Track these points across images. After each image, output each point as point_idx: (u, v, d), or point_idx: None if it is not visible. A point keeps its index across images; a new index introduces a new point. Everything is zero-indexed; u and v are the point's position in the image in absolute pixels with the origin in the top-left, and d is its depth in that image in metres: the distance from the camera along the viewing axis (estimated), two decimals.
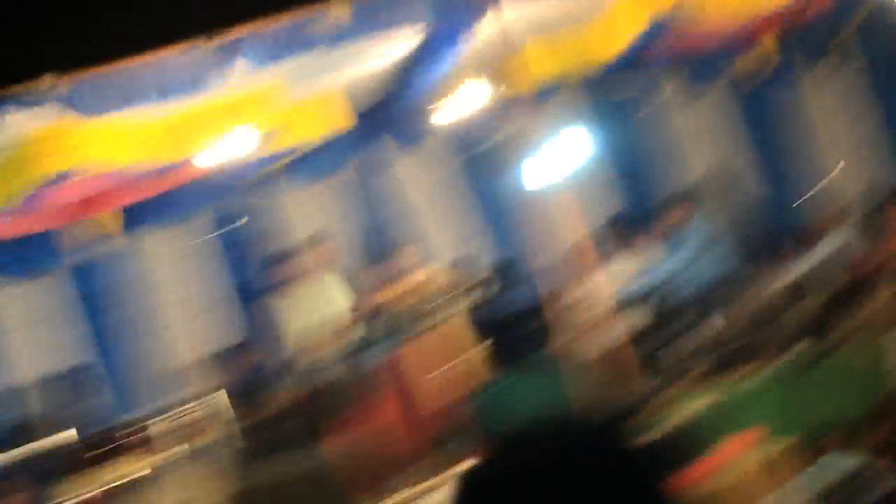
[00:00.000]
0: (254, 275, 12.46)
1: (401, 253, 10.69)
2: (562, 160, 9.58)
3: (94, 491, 9.80)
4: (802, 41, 13.01)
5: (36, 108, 8.85)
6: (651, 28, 10.89)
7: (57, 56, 9.17)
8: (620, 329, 9.99)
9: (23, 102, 8.80)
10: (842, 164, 13.73)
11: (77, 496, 9.78)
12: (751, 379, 9.79)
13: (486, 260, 10.13)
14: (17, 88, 8.85)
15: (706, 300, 11.04)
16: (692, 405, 7.49)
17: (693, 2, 10.62)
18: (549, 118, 10.42)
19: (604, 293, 9.38)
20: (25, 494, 10.02)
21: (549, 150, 9.49)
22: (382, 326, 10.04)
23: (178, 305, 12.50)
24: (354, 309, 10.67)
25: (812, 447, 8.37)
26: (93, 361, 12.01)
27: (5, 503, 9.84)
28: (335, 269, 10.85)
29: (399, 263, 10.67)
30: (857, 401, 9.36)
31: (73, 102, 8.89)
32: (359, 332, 10.67)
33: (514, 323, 5.88)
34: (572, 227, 9.40)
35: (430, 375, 9.63)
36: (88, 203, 10.21)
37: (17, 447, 10.38)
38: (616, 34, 11.05)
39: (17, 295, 12.14)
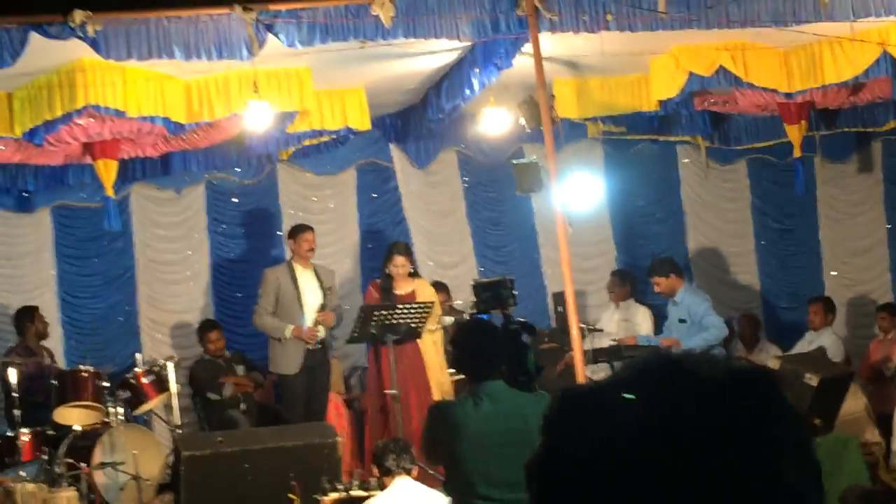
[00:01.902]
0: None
1: (391, 261, 10.55)
2: (571, 202, 9.50)
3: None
4: (830, 137, 12.99)
5: (61, 42, 8.75)
6: (684, 93, 10.84)
7: None
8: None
9: (49, 33, 8.70)
10: (835, 273, 13.69)
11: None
12: None
13: (475, 282, 9.99)
14: (46, 18, 8.75)
15: None
16: None
17: (733, 72, 10.56)
18: (566, 159, 10.36)
19: (581, 340, 9.29)
20: None
21: (560, 189, 9.41)
22: (361, 328, 9.89)
23: (152, 269, 12.31)
24: (324, 306, 10.50)
25: None
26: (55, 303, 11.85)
27: None
28: (311, 262, 10.71)
29: (388, 270, 10.53)
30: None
31: (98, 43, 8.78)
32: (325, 330, 10.51)
33: (493, 342, 5.73)
34: (565, 268, 9.32)
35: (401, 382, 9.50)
36: (91, 148, 10.06)
37: None
38: (650, 93, 11.02)
39: (1, 224, 11.99)
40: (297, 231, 10.82)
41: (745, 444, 1.21)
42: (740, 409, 1.23)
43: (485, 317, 7.53)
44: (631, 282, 12.41)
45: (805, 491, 1.25)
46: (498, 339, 5.87)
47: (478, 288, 8.03)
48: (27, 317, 11.15)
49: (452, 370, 10.11)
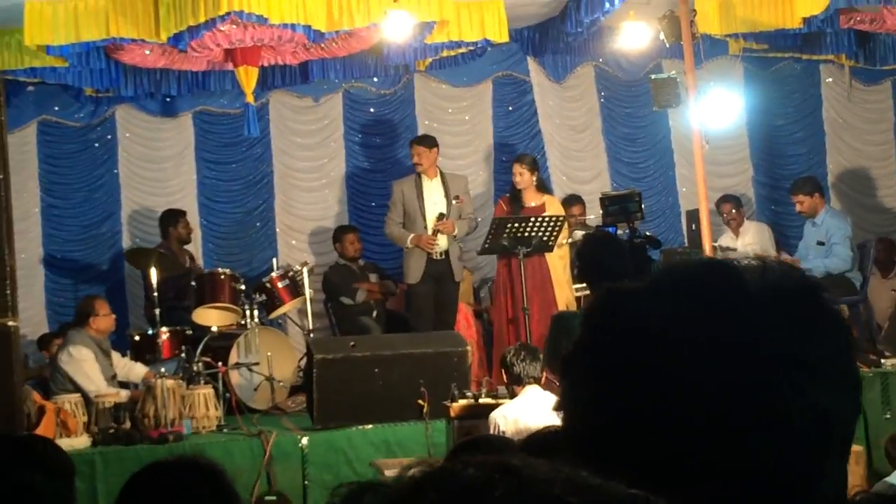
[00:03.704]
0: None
1: (521, 175, 10.57)
2: (708, 119, 9.40)
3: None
4: None
5: None
6: (829, 10, 10.56)
7: None
8: None
9: None
10: None
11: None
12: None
13: (602, 195, 9.93)
14: None
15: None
16: None
17: None
18: (705, 75, 10.21)
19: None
20: None
21: (698, 106, 9.32)
22: (492, 240, 9.95)
23: (289, 176, 12.51)
24: (443, 215, 10.53)
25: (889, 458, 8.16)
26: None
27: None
28: (440, 171, 10.76)
29: (518, 182, 10.56)
30: None
31: None
32: (447, 239, 10.58)
33: (618, 255, 5.75)
34: (700, 186, 9.26)
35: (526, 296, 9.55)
36: (233, 54, 10.23)
37: None
38: (794, 10, 10.76)
39: (145, 128, 12.29)
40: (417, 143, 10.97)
41: (774, 363, 1.20)
42: (776, 325, 1.21)
43: (611, 230, 7.52)
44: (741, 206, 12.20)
45: (838, 413, 1.23)
46: (622, 251, 5.89)
47: (605, 201, 8.00)
48: (171, 220, 11.45)
49: (578, 286, 10.15)
